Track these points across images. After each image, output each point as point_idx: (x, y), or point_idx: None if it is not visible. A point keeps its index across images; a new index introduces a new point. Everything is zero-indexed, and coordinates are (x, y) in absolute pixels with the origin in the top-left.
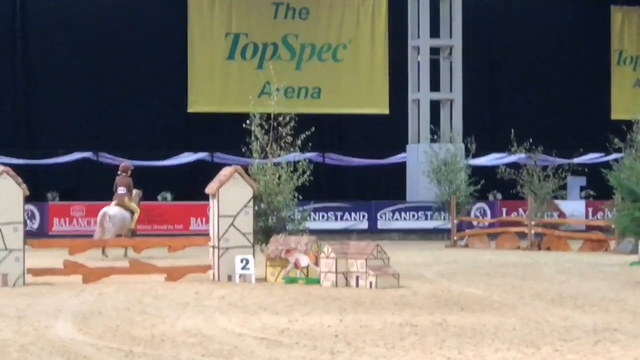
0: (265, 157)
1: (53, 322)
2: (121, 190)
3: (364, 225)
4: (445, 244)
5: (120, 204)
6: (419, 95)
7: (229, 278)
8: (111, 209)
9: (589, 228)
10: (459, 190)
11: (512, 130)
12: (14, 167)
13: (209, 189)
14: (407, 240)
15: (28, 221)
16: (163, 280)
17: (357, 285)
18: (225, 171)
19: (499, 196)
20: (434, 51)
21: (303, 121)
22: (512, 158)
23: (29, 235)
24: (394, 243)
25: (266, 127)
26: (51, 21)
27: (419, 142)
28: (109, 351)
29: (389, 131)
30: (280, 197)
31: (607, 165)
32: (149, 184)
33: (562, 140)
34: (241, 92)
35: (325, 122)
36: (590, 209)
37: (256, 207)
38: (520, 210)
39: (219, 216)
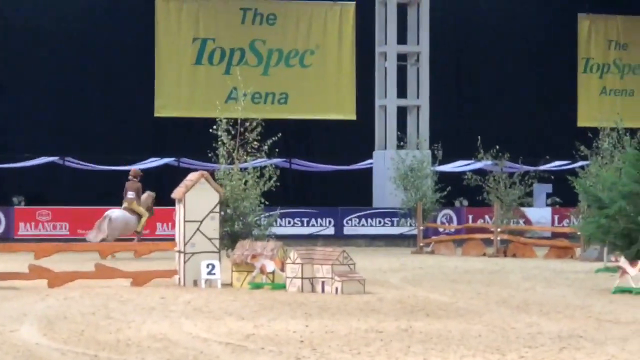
0: (232, 162)
1: (18, 326)
2: (130, 194)
3: (330, 231)
4: (412, 250)
5: (128, 208)
6: (386, 101)
7: (195, 283)
8: (114, 212)
9: (555, 235)
10: (425, 196)
11: (479, 137)
12: None
13: (176, 193)
14: (373, 246)
15: None
16: (129, 285)
17: (323, 291)
18: (191, 176)
19: (465, 203)
20: (401, 57)
21: (270, 127)
22: (478, 165)
23: None
24: (360, 249)
25: (233, 132)
26: (17, 25)
27: (385, 148)
28: (74, 356)
29: (355, 137)
30: (246, 203)
31: (573, 172)
32: (116, 189)
33: (528, 147)
34: (208, 97)
35: (292, 127)
36: (556, 216)
37: (222, 213)
38: (487, 217)
39: (185, 221)
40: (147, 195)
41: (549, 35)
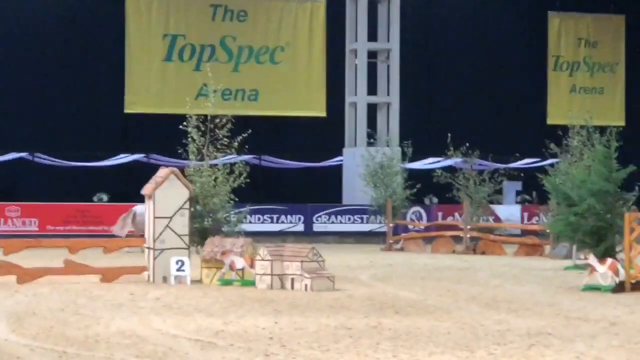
0: (202, 158)
1: None
2: None
3: (300, 228)
4: (381, 247)
5: None
6: (356, 98)
7: (164, 279)
8: (140, 207)
9: (524, 232)
10: (395, 193)
11: (449, 135)
12: None
13: (145, 190)
14: (343, 243)
15: None
16: (98, 281)
17: (293, 287)
18: (161, 172)
19: (435, 200)
20: (372, 55)
21: (240, 123)
22: (448, 162)
23: None
24: (330, 246)
25: (203, 128)
26: None
27: (355, 145)
28: (43, 352)
29: (326, 134)
30: (216, 199)
31: (542, 170)
32: (85, 185)
33: (498, 145)
34: (178, 93)
35: (262, 124)
36: (525, 214)
37: (192, 209)
38: (456, 214)
39: (154, 217)
40: None
41: (519, 33)
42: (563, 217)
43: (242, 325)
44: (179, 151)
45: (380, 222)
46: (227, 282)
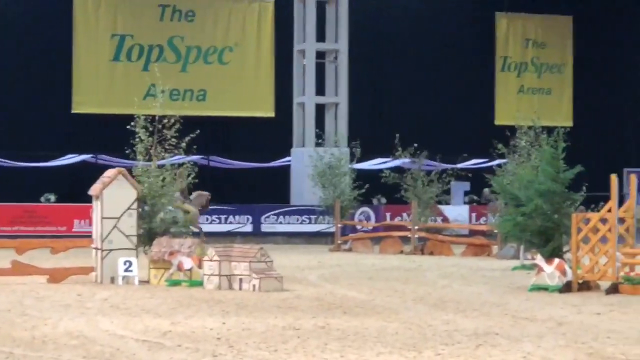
0: (150, 159)
1: None
2: (176, 195)
3: (248, 228)
4: (329, 247)
5: (175, 207)
6: (305, 98)
7: (112, 280)
8: None
9: (472, 233)
10: (343, 194)
11: (397, 135)
12: None
13: (93, 190)
14: (292, 243)
15: None
16: (45, 282)
17: (241, 288)
18: (109, 173)
19: (383, 200)
20: (320, 55)
21: (188, 123)
22: (396, 162)
23: None
24: (278, 246)
25: (151, 129)
26: None
27: (303, 145)
28: None
29: (274, 134)
30: (164, 200)
31: (490, 170)
32: (32, 185)
33: (446, 145)
34: (126, 93)
35: (211, 124)
36: (473, 214)
37: (140, 209)
38: (404, 214)
39: (102, 218)
40: (197, 195)
41: (467, 33)
42: (511, 217)
43: (189, 326)
44: (127, 151)
45: (329, 223)
46: (174, 283)
